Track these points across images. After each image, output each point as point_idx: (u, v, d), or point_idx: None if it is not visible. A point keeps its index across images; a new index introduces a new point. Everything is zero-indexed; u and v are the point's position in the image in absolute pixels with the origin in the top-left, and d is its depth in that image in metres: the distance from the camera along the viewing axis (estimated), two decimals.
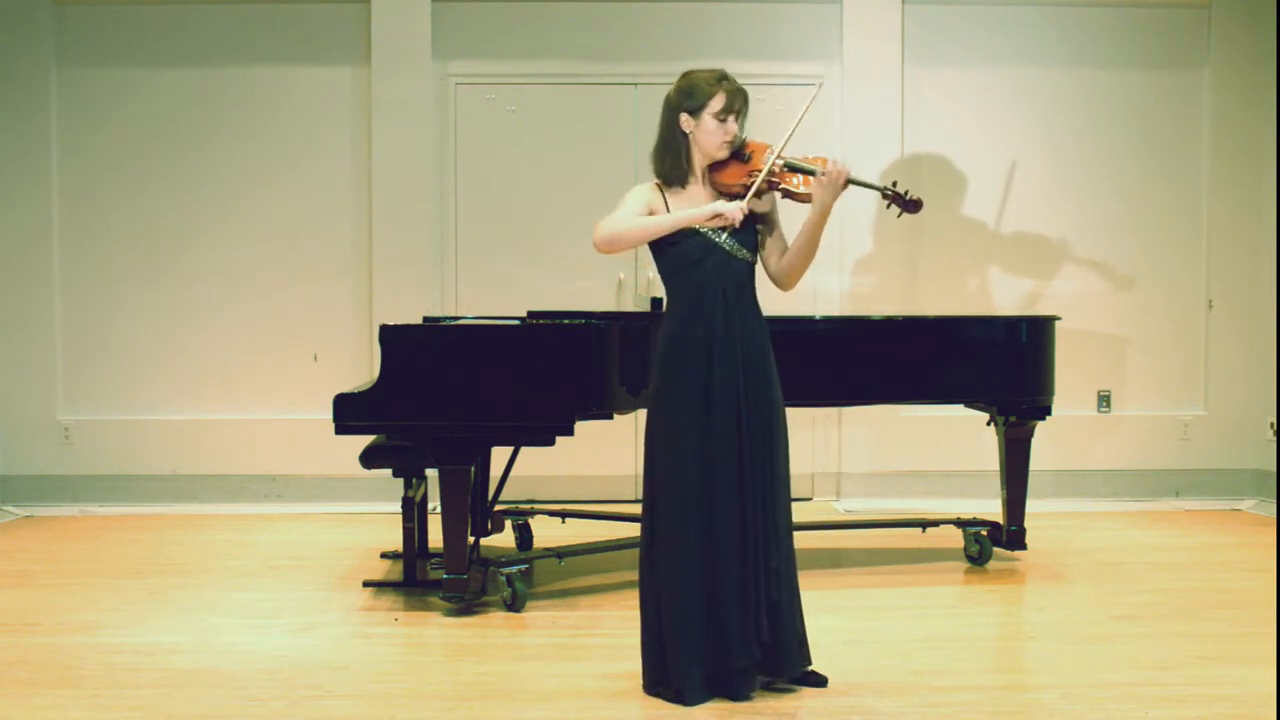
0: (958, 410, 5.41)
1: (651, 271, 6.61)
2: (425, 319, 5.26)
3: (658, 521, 3.43)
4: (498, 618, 4.31)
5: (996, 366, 5.06)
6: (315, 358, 6.68)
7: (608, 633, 4.11)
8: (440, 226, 6.68)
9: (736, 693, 3.38)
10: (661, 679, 3.42)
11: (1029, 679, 3.76)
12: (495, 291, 6.61)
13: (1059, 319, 5.24)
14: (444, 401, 4.29)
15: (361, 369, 6.58)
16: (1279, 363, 6.63)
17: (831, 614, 4.29)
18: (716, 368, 3.40)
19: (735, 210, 3.34)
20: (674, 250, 3.45)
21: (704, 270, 3.43)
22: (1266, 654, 3.83)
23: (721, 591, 3.37)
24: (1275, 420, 6.73)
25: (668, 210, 3.46)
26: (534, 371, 4.31)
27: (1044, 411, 5.10)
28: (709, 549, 3.38)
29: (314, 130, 6.66)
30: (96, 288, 6.67)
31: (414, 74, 6.56)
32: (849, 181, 3.43)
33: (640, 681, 3.49)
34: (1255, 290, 6.82)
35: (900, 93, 6.68)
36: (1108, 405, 6.82)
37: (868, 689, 3.51)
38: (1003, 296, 6.77)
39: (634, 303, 6.64)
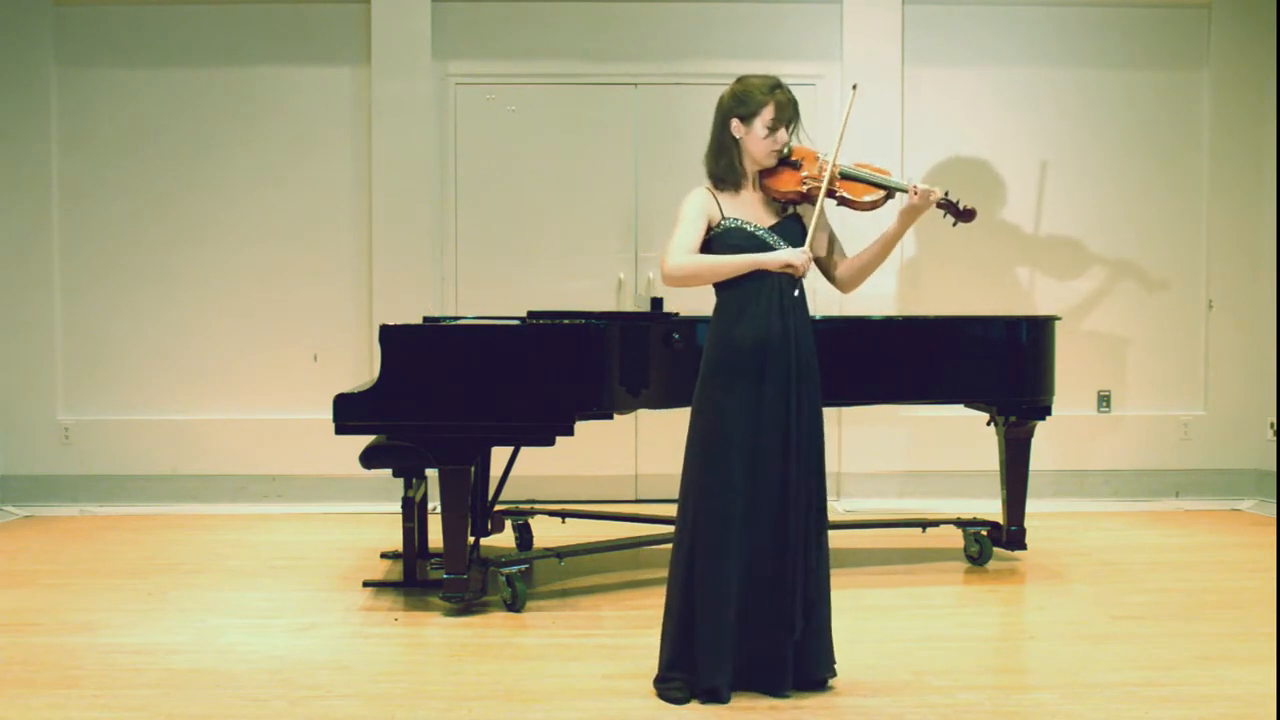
0: (958, 410, 5.41)
1: (652, 272, 6.64)
2: (425, 319, 5.25)
3: (698, 520, 3.42)
4: (498, 618, 4.31)
5: (996, 366, 5.06)
6: (315, 358, 6.68)
7: (608, 633, 4.11)
8: (440, 226, 6.68)
9: (775, 689, 3.41)
10: (685, 677, 3.41)
11: (1029, 679, 3.76)
12: (495, 291, 6.61)
13: (1059, 319, 5.24)
14: (444, 401, 4.28)
15: (361, 369, 6.58)
16: (1279, 363, 6.63)
17: (832, 614, 4.27)
18: (770, 368, 3.41)
19: (804, 260, 3.41)
20: (733, 253, 3.46)
21: (762, 273, 3.45)
22: (1266, 654, 3.83)
23: (761, 591, 3.38)
24: (1275, 420, 6.73)
25: (722, 214, 3.49)
26: (534, 371, 4.31)
27: (1044, 411, 5.10)
28: (751, 548, 3.39)
29: (314, 130, 6.66)
30: (96, 288, 6.67)
31: (414, 74, 6.56)
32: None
33: (653, 675, 3.49)
34: (1255, 290, 6.82)
35: (900, 93, 6.69)
36: (1108, 405, 6.82)
37: (868, 689, 3.52)
38: (1002, 296, 6.77)
39: (634, 303, 6.64)
